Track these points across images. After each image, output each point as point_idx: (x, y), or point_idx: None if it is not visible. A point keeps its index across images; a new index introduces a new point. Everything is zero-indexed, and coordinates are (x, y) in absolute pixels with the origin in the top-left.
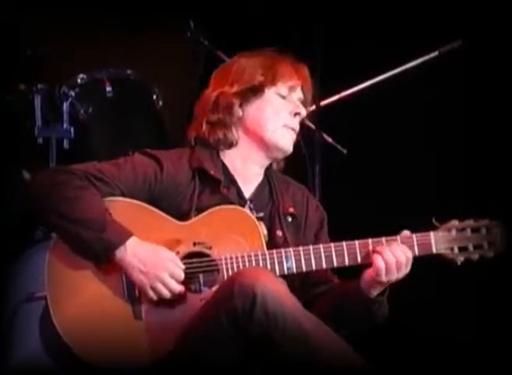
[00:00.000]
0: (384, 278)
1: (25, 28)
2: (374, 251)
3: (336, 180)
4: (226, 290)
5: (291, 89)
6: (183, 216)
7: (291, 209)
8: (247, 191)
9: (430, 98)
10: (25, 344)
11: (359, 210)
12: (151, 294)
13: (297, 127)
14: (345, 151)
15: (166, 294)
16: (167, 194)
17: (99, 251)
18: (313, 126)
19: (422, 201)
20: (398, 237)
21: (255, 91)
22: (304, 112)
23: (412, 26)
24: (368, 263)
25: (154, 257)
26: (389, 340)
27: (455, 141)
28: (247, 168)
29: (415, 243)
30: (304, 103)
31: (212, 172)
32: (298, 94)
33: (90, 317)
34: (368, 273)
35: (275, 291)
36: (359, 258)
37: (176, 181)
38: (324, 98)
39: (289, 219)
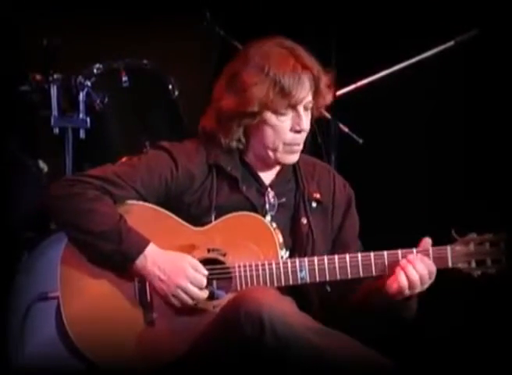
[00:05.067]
0: (407, 293)
1: (41, 18)
2: (398, 266)
3: (352, 169)
4: (232, 316)
5: (292, 106)
6: (202, 213)
7: (316, 195)
8: (268, 176)
9: (446, 87)
10: (35, 341)
11: (375, 199)
12: (174, 301)
13: (301, 141)
14: (361, 141)
15: (188, 301)
16: (184, 190)
17: (118, 262)
18: (329, 116)
19: (438, 187)
20: (414, 250)
21: (255, 114)
22: (306, 127)
23: (428, 16)
24: (383, 275)
25: (173, 264)
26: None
27: (474, 128)
28: (264, 158)
29: (431, 256)
30: (317, 94)
31: (229, 169)
32: (304, 102)
33: (100, 318)
34: (391, 286)
35: (282, 313)
36: (374, 271)
37: (192, 176)
38: (340, 88)
39: (314, 205)
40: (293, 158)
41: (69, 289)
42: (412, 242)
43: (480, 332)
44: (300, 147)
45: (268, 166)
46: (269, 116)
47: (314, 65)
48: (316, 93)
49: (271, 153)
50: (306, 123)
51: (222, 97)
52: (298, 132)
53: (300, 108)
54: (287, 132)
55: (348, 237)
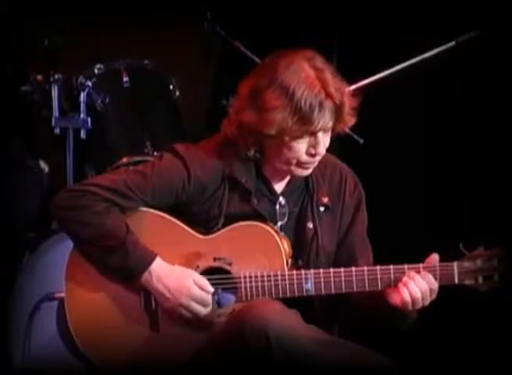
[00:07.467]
0: (410, 308)
1: (42, 18)
2: (400, 282)
3: (353, 169)
4: (237, 332)
5: (310, 133)
6: (210, 220)
7: (325, 200)
8: (281, 185)
9: (446, 87)
10: (40, 341)
11: (376, 200)
12: (177, 316)
13: (315, 162)
14: (361, 141)
15: (190, 318)
16: (194, 200)
17: (123, 277)
18: None
19: (440, 188)
20: (421, 266)
21: (272, 136)
22: (322, 151)
23: (428, 17)
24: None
25: (178, 282)
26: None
27: (475, 129)
28: (277, 169)
29: (437, 273)
30: (339, 121)
31: (244, 180)
32: (322, 129)
33: (104, 322)
34: (395, 301)
35: (287, 327)
36: (379, 285)
37: (204, 187)
38: None
39: (322, 209)
40: (306, 172)
41: (74, 291)
42: (414, 242)
43: (480, 332)
44: (315, 165)
45: (281, 175)
46: (287, 139)
47: (338, 92)
48: (338, 120)
49: (285, 167)
50: (322, 147)
51: (243, 109)
52: (313, 156)
53: (319, 133)
54: (303, 154)
55: (354, 241)
